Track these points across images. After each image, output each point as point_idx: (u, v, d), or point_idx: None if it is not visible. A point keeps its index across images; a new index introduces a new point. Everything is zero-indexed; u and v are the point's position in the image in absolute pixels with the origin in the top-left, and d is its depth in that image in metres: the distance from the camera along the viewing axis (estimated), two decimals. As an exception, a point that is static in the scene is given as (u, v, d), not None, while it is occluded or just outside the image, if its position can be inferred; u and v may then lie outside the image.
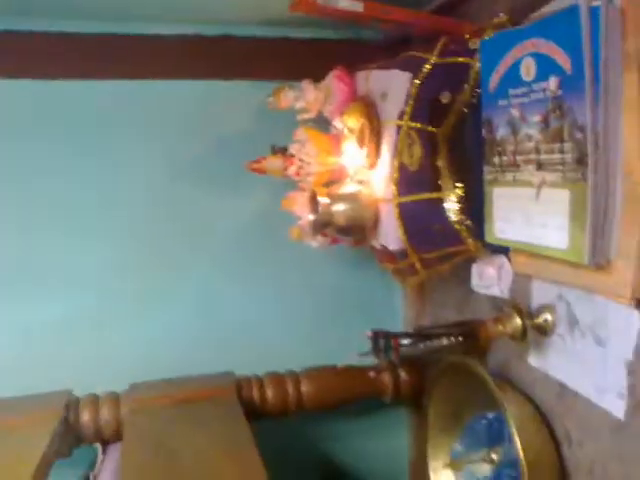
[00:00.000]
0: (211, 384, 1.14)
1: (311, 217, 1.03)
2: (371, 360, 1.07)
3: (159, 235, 1.25)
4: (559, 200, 0.70)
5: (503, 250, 0.89)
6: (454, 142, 0.91)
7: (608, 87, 0.64)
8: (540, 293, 0.86)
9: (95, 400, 1.10)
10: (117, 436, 1.07)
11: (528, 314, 0.85)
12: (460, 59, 0.86)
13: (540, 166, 0.73)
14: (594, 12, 0.62)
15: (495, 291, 0.95)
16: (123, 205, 1.23)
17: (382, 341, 0.94)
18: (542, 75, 0.70)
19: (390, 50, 1.20)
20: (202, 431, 0.99)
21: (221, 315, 1.29)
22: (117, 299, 1.24)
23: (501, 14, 0.86)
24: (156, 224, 1.25)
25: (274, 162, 1.12)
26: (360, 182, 1.03)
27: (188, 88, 1.23)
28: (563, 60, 0.67)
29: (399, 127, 0.91)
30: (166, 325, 1.26)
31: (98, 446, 1.09)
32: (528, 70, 0.73)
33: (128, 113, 1.21)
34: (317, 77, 1.13)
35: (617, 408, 0.72)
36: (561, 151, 0.69)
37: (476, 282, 0.98)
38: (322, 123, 1.14)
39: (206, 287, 1.29)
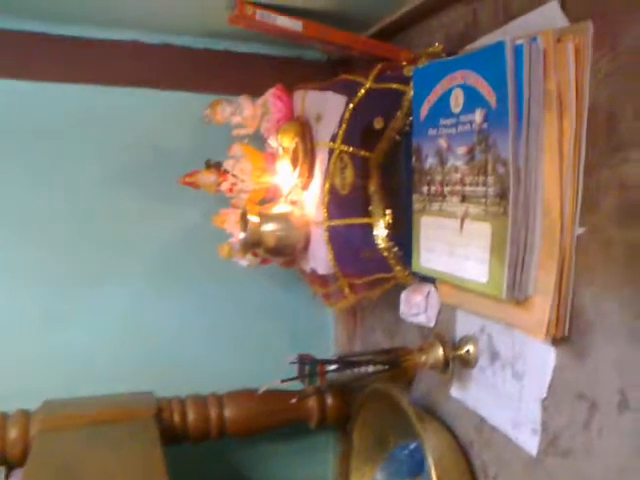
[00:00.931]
0: (129, 405, 1.08)
1: (241, 236, 1.00)
2: (299, 384, 1.05)
3: (84, 247, 1.18)
4: (481, 233, 0.70)
5: (431, 279, 0.88)
6: (386, 168, 0.90)
7: (530, 124, 0.65)
8: (464, 324, 0.86)
9: (2, 418, 1.03)
10: (24, 458, 0.99)
11: (451, 345, 0.84)
12: (394, 85, 0.85)
13: (464, 198, 0.73)
14: (518, 50, 0.63)
15: (422, 319, 0.94)
16: (44, 214, 1.16)
17: (308, 367, 0.92)
18: (469, 107, 0.71)
19: (333, 71, 1.20)
20: (113, 455, 0.94)
21: (146, 332, 1.23)
22: (34, 311, 1.16)
23: (437, 43, 0.86)
24: (80, 235, 1.18)
25: (207, 177, 1.09)
26: (293, 203, 1.01)
27: (123, 95, 1.18)
28: (489, 94, 0.67)
29: (331, 150, 0.89)
30: (88, 340, 1.19)
31: (1, 470, 1.02)
32: (457, 101, 0.73)
33: (55, 117, 1.15)
34: (258, 93, 1.11)
35: (530, 444, 0.72)
36: (484, 184, 0.69)
37: (403, 310, 0.97)
38: (259, 140, 1.12)
39: (131, 303, 1.22)
